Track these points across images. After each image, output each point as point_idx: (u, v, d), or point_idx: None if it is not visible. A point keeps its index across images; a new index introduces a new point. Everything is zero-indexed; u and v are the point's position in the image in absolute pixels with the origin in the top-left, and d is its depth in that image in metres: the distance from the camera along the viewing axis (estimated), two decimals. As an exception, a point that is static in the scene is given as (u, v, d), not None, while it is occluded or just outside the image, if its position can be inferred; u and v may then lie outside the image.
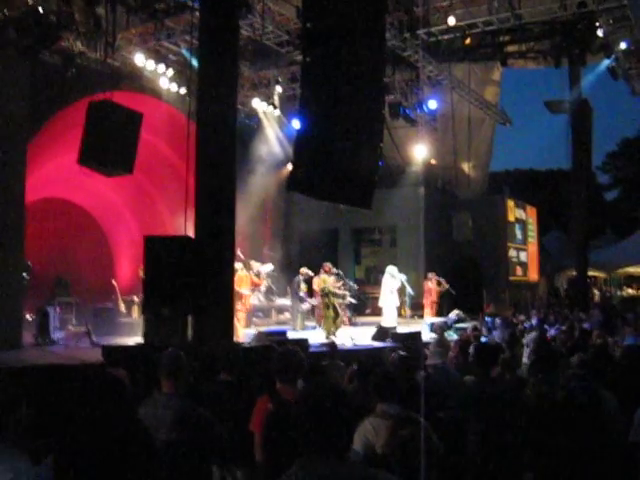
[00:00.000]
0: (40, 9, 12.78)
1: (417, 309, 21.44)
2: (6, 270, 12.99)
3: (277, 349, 4.93)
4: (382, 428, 4.20)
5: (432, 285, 20.66)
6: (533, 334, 12.40)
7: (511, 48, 22.21)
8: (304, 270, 18.55)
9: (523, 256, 29.47)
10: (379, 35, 13.66)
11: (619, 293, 33.38)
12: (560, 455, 3.35)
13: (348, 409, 2.76)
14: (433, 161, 24.81)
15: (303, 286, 18.48)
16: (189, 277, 10.62)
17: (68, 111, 15.66)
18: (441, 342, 10.27)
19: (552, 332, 13.29)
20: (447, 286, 20.59)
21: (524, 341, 12.34)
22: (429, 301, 20.59)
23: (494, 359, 6.37)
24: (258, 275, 17.30)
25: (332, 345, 10.35)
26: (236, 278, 15.39)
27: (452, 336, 13.40)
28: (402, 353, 6.55)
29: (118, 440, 2.56)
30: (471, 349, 8.63)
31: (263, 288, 18.95)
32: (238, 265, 15.08)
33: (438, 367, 7.30)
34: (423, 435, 4.11)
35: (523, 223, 29.87)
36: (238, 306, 14.87)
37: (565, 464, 3.32)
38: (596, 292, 31.66)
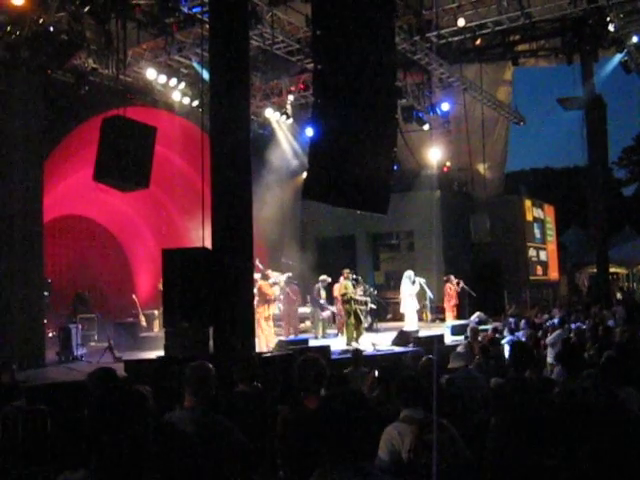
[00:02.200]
0: (51, 28, 12.89)
1: (438, 312, 21.34)
2: (27, 288, 13.08)
3: (298, 358, 4.85)
4: (407, 433, 4.17)
5: (452, 287, 20.56)
6: (556, 333, 12.30)
7: (522, 47, 22.13)
8: (324, 277, 18.53)
9: (543, 255, 29.34)
10: (389, 39, 13.67)
11: (641, 289, 33.10)
12: (586, 457, 3.30)
13: (369, 417, 2.72)
14: (448, 163, 24.73)
15: (323, 293, 18.45)
16: (208, 289, 10.62)
17: (82, 128, 15.76)
18: (470, 345, 10.25)
19: (575, 331, 13.17)
20: (465, 287, 20.46)
21: (547, 341, 12.25)
22: (450, 304, 20.48)
23: (529, 358, 6.31)
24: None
25: (357, 352, 10.28)
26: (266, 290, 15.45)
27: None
28: (431, 356, 6.50)
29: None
30: (507, 348, 8.59)
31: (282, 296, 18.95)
32: (257, 275, 15.07)
33: (461, 371, 7.25)
34: (449, 439, 4.08)
35: (541, 222, 29.74)
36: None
37: (591, 466, 3.27)
38: (618, 289, 31.39)
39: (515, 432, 4.98)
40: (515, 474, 4.37)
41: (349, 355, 12.72)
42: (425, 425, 3.76)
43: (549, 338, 12.39)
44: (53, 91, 14.45)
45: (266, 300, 15.41)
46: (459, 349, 9.62)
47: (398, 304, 18.66)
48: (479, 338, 12.50)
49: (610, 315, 17.00)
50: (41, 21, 12.76)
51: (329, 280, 18.32)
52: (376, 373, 9.07)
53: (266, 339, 14.84)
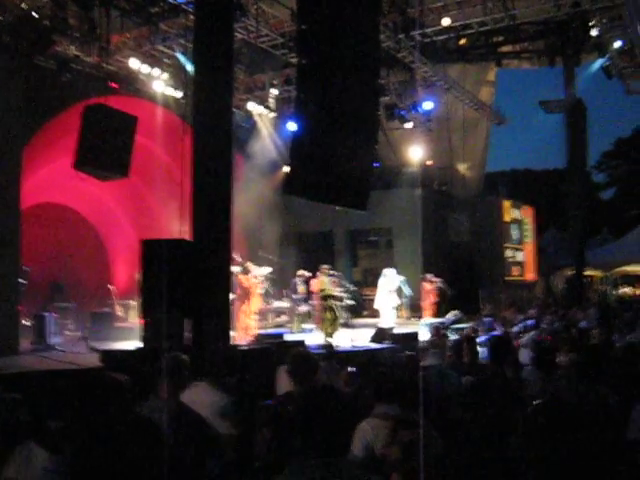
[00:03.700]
0: (34, 14, 12.78)
1: (416, 310, 21.43)
2: (2, 276, 12.97)
3: (290, 351, 4.91)
4: (382, 429, 4.19)
5: (430, 286, 20.66)
6: (531, 334, 12.39)
7: (505, 48, 22.28)
8: (301, 272, 18.53)
9: (520, 256, 29.53)
10: (373, 37, 13.70)
11: (615, 292, 33.38)
12: (559, 456, 3.35)
13: (342, 412, 2.74)
14: (429, 162, 24.83)
15: (300, 288, 18.46)
16: (186, 280, 10.61)
17: (63, 115, 15.63)
18: (434, 343, 10.31)
19: (549, 331, 13.27)
20: (442, 285, 20.57)
21: (521, 341, 12.33)
22: (427, 302, 20.58)
23: (507, 354, 6.38)
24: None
25: (329, 347, 10.32)
26: (246, 283, 15.38)
27: (450, 337, 13.38)
28: (409, 353, 6.55)
29: (129, 437, 2.56)
30: (486, 344, 8.66)
31: (260, 290, 18.92)
32: (235, 268, 15.03)
33: (435, 368, 7.30)
34: (423, 436, 4.11)
35: (519, 223, 29.94)
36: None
37: (565, 465, 3.32)
38: (593, 291, 31.69)
39: (493, 429, 5.03)
40: (492, 470, 4.42)
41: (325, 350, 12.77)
42: (400, 421, 3.78)
43: (523, 339, 12.48)
44: (35, 77, 14.31)
45: (247, 294, 15.38)
46: (423, 347, 9.69)
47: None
48: (454, 336, 12.58)
49: (583, 317, 17.14)
50: (24, 6, 12.65)
51: (307, 275, 18.33)
52: (350, 369, 9.13)
53: (246, 333, 14.82)
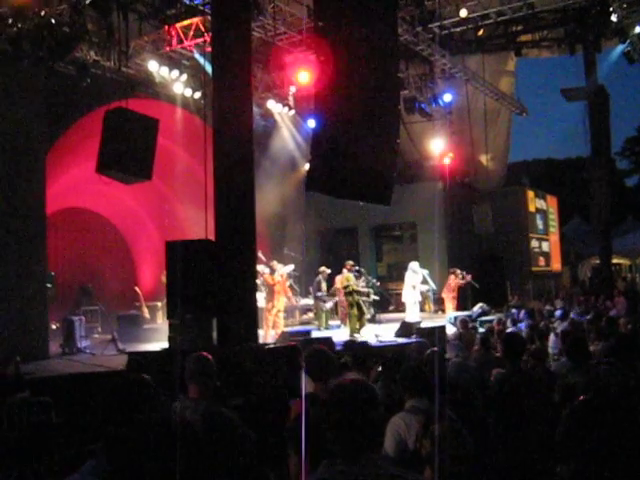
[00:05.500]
0: (53, 21, 12.86)
1: (440, 304, 21.36)
2: (30, 281, 13.09)
3: (306, 349, 4.91)
4: (414, 423, 4.17)
5: (455, 279, 20.57)
6: (562, 325, 12.27)
7: (524, 38, 22.09)
8: (322, 268, 18.51)
9: (545, 246, 29.33)
10: (391, 30, 13.64)
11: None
12: (595, 446, 3.30)
13: (376, 407, 2.72)
14: (450, 155, 24.72)
15: (324, 285, 18.46)
16: (211, 280, 10.64)
17: (85, 120, 15.73)
18: (460, 336, 10.26)
19: (578, 322, 13.15)
20: (469, 279, 20.49)
21: (551, 332, 12.24)
22: (452, 295, 20.49)
23: (522, 349, 6.32)
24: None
25: (350, 342, 10.30)
26: (271, 281, 15.39)
27: (479, 329, 13.31)
28: (435, 349, 6.51)
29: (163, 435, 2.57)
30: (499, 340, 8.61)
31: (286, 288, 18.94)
32: (260, 267, 15.06)
33: (456, 362, 7.26)
34: (453, 430, 4.08)
35: (544, 213, 29.73)
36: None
37: (601, 456, 3.27)
38: (620, 279, 31.34)
39: (513, 426, 4.99)
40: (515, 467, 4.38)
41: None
42: (431, 415, 3.76)
43: (553, 330, 12.38)
44: (55, 83, 14.42)
45: (272, 292, 15.41)
46: (451, 339, 9.62)
47: (401, 295, 18.66)
48: (482, 329, 12.52)
49: (611, 306, 17.00)
50: (43, 13, 12.73)
51: (328, 271, 18.31)
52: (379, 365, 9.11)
53: (275, 331, 14.86)
